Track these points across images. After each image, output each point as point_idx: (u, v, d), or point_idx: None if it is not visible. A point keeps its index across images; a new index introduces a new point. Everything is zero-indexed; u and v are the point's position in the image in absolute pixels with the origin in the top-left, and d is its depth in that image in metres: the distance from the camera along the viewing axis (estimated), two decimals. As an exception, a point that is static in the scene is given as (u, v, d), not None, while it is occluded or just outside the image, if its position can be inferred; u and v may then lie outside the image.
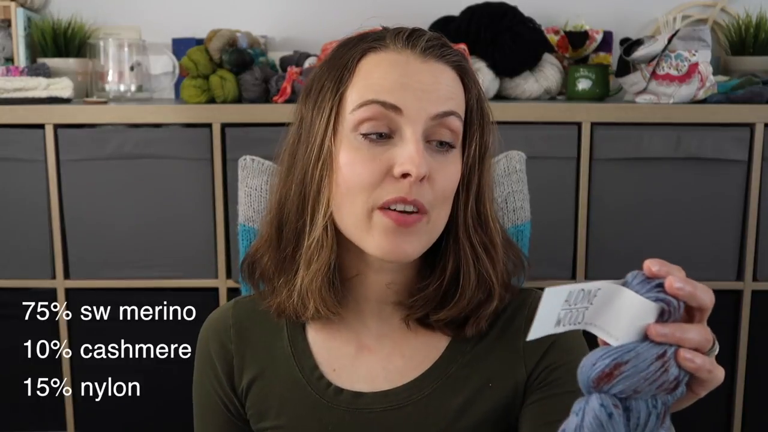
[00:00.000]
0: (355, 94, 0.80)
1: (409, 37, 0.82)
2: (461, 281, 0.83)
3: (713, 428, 1.80)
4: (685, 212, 1.71)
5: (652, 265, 0.57)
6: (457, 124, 0.81)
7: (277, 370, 0.90)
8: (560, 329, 0.56)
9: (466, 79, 0.84)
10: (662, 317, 0.56)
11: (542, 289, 0.93)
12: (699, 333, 0.56)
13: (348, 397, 0.87)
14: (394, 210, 0.78)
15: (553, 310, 0.55)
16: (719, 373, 0.58)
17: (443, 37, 0.85)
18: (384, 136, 0.79)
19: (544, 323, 0.56)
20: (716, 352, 0.60)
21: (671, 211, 1.71)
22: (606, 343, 0.57)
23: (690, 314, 0.58)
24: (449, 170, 0.81)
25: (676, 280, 0.55)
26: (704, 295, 0.56)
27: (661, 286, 0.56)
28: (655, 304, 0.56)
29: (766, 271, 1.72)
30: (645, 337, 0.56)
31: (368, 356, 0.89)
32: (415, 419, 0.85)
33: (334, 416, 0.87)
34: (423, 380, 0.87)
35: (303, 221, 0.83)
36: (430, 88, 0.79)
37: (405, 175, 0.77)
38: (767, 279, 1.72)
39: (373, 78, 0.80)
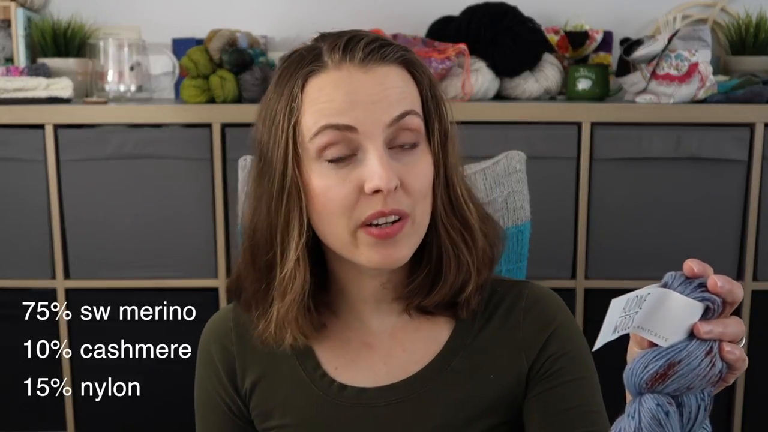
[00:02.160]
0: (309, 120, 0.79)
1: (345, 49, 0.80)
2: (443, 267, 0.85)
3: (713, 428, 1.80)
4: (685, 212, 1.71)
5: (694, 266, 0.60)
6: (415, 121, 0.81)
7: (280, 371, 0.91)
8: (616, 335, 0.59)
9: (415, 70, 0.83)
10: (706, 315, 0.59)
11: (527, 282, 0.94)
12: (735, 326, 0.60)
13: (352, 393, 0.88)
14: (376, 225, 0.79)
15: (614, 318, 0.58)
16: (746, 361, 0.61)
17: (381, 37, 0.83)
18: (347, 156, 0.79)
19: (606, 331, 0.58)
20: (744, 342, 0.63)
21: (671, 211, 1.71)
22: (652, 344, 0.60)
23: (723, 309, 0.61)
24: (420, 169, 0.81)
25: (718, 278, 0.59)
26: (739, 291, 0.60)
27: (703, 285, 0.59)
28: (700, 304, 0.59)
29: (766, 271, 1.72)
30: (691, 335, 0.59)
31: (370, 353, 0.90)
32: (419, 411, 0.87)
33: (340, 412, 0.88)
34: (425, 373, 0.88)
35: (273, 253, 0.83)
36: (379, 98, 0.78)
37: (376, 191, 0.77)
38: (767, 279, 1.72)
39: (321, 103, 0.79)
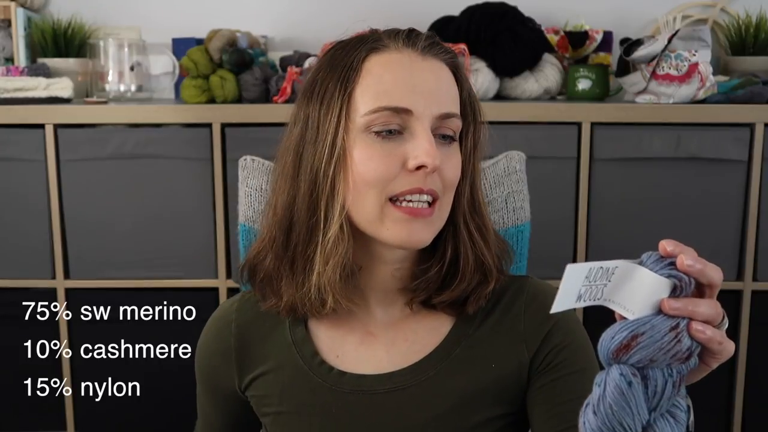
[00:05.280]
0: (366, 96, 0.82)
1: (407, 37, 0.85)
2: (461, 264, 0.87)
3: (713, 428, 1.80)
4: (685, 212, 1.71)
5: (667, 245, 0.61)
6: (457, 123, 0.86)
7: (279, 360, 0.93)
8: (581, 304, 0.60)
9: (459, 75, 0.88)
10: (674, 292, 0.60)
11: (528, 276, 0.95)
12: (709, 307, 0.61)
13: (351, 380, 0.89)
14: (407, 202, 0.82)
15: (575, 286, 0.59)
16: (729, 346, 0.62)
17: (436, 36, 0.89)
18: (394, 132, 0.82)
19: (565, 298, 0.59)
20: (726, 326, 0.63)
21: (671, 211, 1.71)
22: (623, 318, 0.61)
23: (701, 291, 0.62)
24: (454, 161, 0.85)
25: (687, 257, 0.60)
26: (713, 273, 0.61)
27: (673, 264, 0.61)
28: (668, 281, 0.60)
29: (766, 271, 1.72)
30: (659, 311, 0.60)
31: (372, 342, 0.92)
32: (420, 400, 0.88)
33: (338, 399, 0.89)
34: (427, 362, 0.89)
35: (316, 219, 0.85)
36: (434, 87, 0.84)
37: (419, 168, 0.81)
38: (767, 279, 1.72)
39: (383, 83, 0.82)
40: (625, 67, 1.77)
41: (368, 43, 0.85)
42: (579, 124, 1.69)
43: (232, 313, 0.97)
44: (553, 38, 2.02)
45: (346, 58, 0.84)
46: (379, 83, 0.82)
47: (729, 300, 1.74)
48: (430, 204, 0.83)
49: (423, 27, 1.98)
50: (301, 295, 0.87)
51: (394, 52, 0.84)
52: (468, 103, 0.88)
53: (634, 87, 1.76)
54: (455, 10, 1.96)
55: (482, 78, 1.84)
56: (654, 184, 1.70)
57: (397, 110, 0.81)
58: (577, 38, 2.02)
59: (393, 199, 0.82)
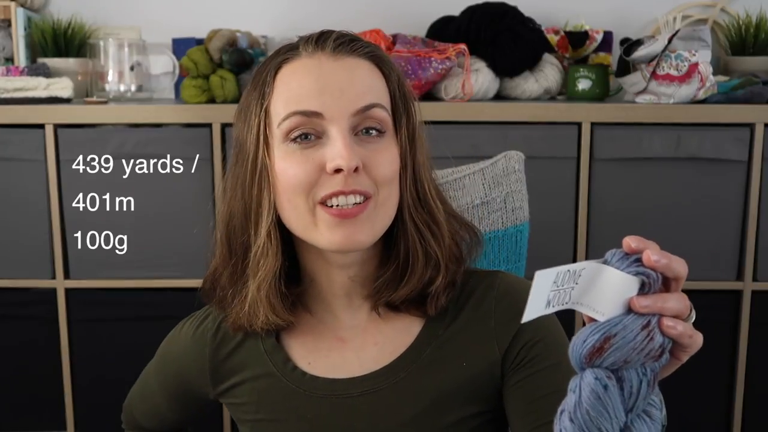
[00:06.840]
0: (278, 106, 0.83)
1: (318, 40, 0.85)
2: (410, 260, 0.86)
3: (713, 428, 1.80)
4: (685, 212, 1.71)
5: (631, 242, 0.60)
6: (381, 114, 0.84)
7: (254, 369, 0.93)
8: (550, 310, 0.59)
9: (384, 67, 0.87)
10: (643, 289, 0.59)
11: (499, 271, 0.94)
12: (678, 301, 0.60)
13: (324, 384, 0.89)
14: (334, 206, 0.81)
15: (544, 292, 0.58)
16: (698, 339, 0.61)
17: (353, 34, 0.88)
18: (312, 138, 0.82)
19: (535, 305, 0.58)
20: (693, 318, 0.63)
21: (671, 211, 1.71)
22: (592, 320, 0.60)
23: (667, 285, 0.61)
24: (383, 156, 0.83)
25: (653, 253, 0.59)
26: (678, 266, 0.60)
27: (639, 261, 0.59)
28: (635, 278, 0.59)
29: (766, 271, 1.72)
30: (629, 310, 0.59)
31: (342, 348, 0.92)
32: (393, 401, 0.87)
33: (312, 404, 0.89)
34: (398, 364, 0.89)
35: (248, 234, 0.86)
36: (346, 86, 0.82)
37: (338, 171, 0.80)
38: (767, 279, 1.72)
39: (292, 89, 0.82)
40: (625, 67, 1.77)
41: (282, 54, 0.85)
42: (579, 124, 1.69)
43: (209, 323, 0.98)
44: (553, 38, 2.02)
45: (262, 74, 0.85)
46: (288, 91, 0.82)
47: (729, 300, 1.74)
48: (362, 202, 0.81)
49: (423, 27, 1.98)
50: (239, 308, 0.88)
51: (305, 58, 0.84)
52: (398, 94, 0.86)
53: (634, 87, 1.76)
54: (455, 10, 1.96)
55: (482, 78, 1.84)
56: (654, 184, 1.70)
57: (306, 114, 0.81)
58: (577, 38, 2.02)
59: (322, 203, 0.81)
